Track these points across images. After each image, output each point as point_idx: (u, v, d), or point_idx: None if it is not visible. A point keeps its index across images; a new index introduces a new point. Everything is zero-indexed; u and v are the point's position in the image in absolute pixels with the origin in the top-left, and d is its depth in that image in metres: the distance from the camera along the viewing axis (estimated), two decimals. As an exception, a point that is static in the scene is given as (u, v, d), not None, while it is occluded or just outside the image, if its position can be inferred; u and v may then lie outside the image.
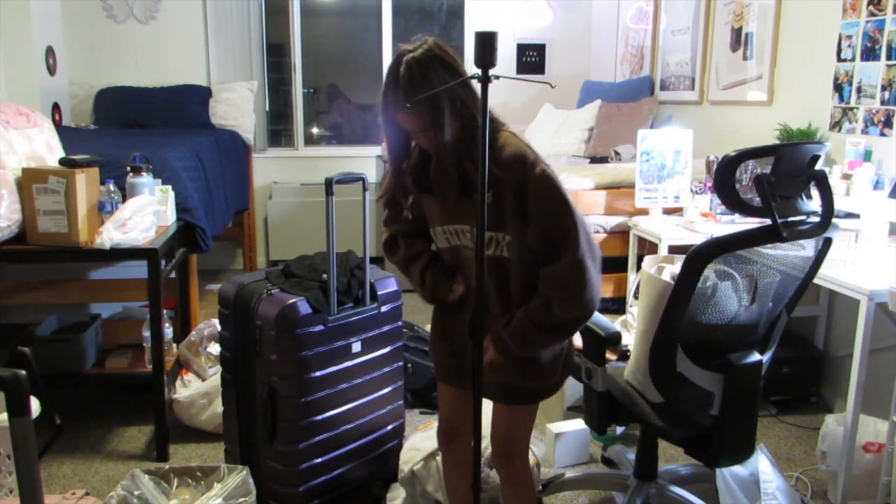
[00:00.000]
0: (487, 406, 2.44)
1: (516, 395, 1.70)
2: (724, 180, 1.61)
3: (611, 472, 2.46)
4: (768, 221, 1.60)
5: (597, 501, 2.41)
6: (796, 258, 1.79)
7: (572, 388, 2.76)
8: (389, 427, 2.38)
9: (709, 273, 1.67)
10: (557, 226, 1.52)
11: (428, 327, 4.12)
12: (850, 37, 2.97)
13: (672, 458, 2.60)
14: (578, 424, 2.61)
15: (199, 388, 2.80)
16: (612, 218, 3.30)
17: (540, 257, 1.56)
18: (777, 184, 1.61)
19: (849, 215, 2.54)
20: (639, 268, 2.16)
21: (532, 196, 1.51)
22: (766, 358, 1.87)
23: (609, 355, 2.34)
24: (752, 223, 1.78)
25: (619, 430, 2.73)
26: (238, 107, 4.87)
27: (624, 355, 2.47)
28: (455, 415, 1.85)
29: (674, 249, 2.65)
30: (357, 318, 2.22)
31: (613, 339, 1.90)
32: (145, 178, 2.66)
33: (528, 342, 1.60)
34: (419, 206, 1.72)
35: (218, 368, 2.53)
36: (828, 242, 1.80)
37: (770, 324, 1.89)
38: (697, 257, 1.64)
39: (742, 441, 1.87)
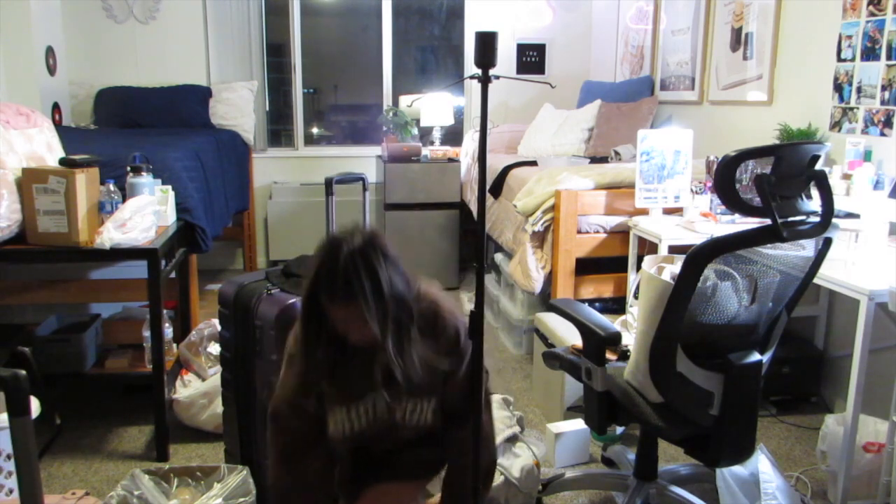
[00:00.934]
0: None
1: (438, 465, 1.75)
2: (724, 180, 1.61)
3: (611, 472, 2.46)
4: (768, 221, 1.60)
5: (597, 501, 2.41)
6: (796, 258, 1.79)
7: (572, 388, 2.76)
8: (389, 427, 2.37)
9: (709, 273, 1.68)
10: (472, 397, 1.61)
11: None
12: (850, 37, 2.97)
13: (672, 458, 2.60)
14: (578, 424, 2.61)
15: (199, 388, 2.80)
16: (612, 218, 3.30)
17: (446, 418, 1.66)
18: (777, 184, 1.61)
19: (849, 215, 2.54)
20: (639, 268, 2.16)
21: (459, 369, 1.60)
22: (765, 358, 1.87)
23: (609, 355, 2.34)
24: (752, 223, 1.78)
25: (619, 430, 2.73)
26: (238, 107, 4.87)
27: (624, 355, 2.47)
28: None
29: (674, 249, 2.65)
30: (357, 318, 2.21)
31: (613, 339, 1.90)
32: (145, 178, 2.66)
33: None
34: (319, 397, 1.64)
35: (218, 368, 2.53)
36: (828, 242, 1.80)
37: (770, 324, 1.90)
38: (698, 257, 1.64)
39: (742, 441, 1.87)
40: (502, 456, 2.27)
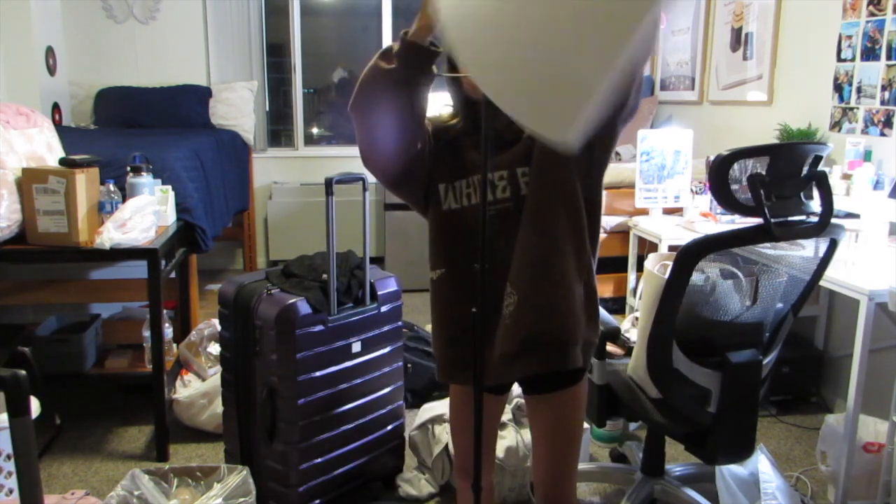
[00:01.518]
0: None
1: (568, 356, 1.38)
2: (717, 179, 1.61)
3: (619, 467, 2.47)
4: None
5: (606, 495, 2.41)
6: (796, 258, 1.79)
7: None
8: (389, 427, 2.38)
9: (711, 272, 1.68)
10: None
11: (428, 327, 4.10)
12: (850, 37, 2.97)
13: (679, 457, 2.60)
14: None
15: (199, 388, 2.80)
16: (612, 218, 3.30)
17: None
18: (773, 183, 1.61)
19: (849, 215, 2.54)
20: (639, 268, 2.16)
21: None
22: (768, 359, 1.87)
23: (616, 350, 2.35)
24: (753, 223, 1.78)
25: (633, 426, 2.71)
26: (238, 107, 4.87)
27: (630, 352, 2.49)
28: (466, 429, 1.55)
29: (674, 249, 2.64)
30: (357, 318, 2.22)
31: (612, 334, 1.93)
32: (145, 178, 2.66)
33: None
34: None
35: (218, 368, 2.53)
36: (833, 244, 1.80)
37: (776, 325, 1.90)
38: (688, 253, 1.65)
39: (740, 439, 1.87)
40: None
